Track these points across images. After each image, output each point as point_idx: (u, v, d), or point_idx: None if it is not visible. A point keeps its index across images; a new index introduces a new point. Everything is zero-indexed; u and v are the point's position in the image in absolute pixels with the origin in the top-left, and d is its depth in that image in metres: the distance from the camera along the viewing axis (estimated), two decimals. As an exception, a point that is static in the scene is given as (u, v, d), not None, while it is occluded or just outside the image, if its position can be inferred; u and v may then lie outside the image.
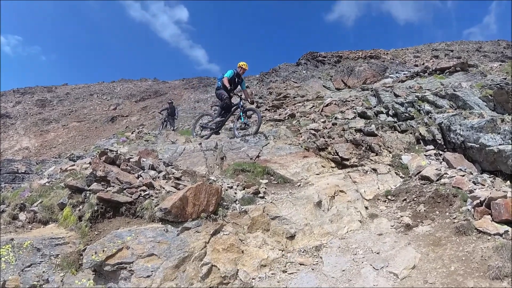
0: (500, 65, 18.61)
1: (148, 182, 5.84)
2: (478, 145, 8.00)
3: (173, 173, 6.83)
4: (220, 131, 12.23)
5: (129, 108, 48.05)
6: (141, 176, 6.21)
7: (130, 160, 6.79)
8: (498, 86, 10.66)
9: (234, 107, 11.80)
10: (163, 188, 5.81)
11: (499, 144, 7.71)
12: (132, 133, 15.56)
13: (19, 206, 6.15)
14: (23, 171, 13.77)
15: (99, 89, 57.98)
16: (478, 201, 5.48)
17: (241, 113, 11.36)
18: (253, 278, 4.75)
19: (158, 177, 6.41)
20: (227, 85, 11.56)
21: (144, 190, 5.63)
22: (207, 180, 6.39)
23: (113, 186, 5.63)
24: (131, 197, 5.44)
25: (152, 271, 4.39)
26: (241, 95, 11.69)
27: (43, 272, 4.48)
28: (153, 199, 5.37)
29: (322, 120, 12.24)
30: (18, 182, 12.40)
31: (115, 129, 35.78)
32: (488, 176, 7.31)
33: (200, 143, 9.89)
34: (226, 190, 6.33)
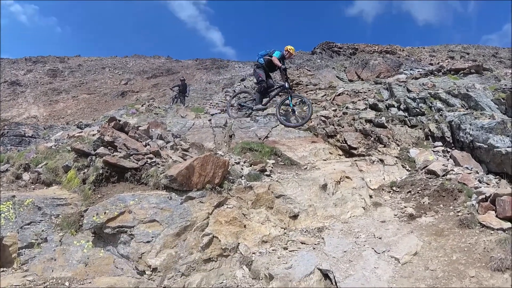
0: (515, 71, 18.46)
1: (155, 150, 5.86)
2: (487, 146, 7.95)
3: (181, 145, 6.85)
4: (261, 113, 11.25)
5: (140, 84, 47.96)
6: (148, 144, 6.24)
7: (139, 128, 6.82)
8: (511, 90, 10.56)
9: (276, 90, 11.00)
10: (170, 158, 5.83)
11: (508, 147, 7.67)
12: (142, 106, 15.60)
13: (24, 166, 6.21)
14: (30, 135, 13.88)
15: (112, 63, 57.83)
16: (484, 196, 5.46)
17: (290, 97, 10.33)
18: (253, 253, 4.76)
19: (166, 147, 6.44)
20: (279, 63, 10.57)
21: (151, 158, 5.66)
22: (214, 153, 6.38)
23: (120, 152, 5.66)
24: (137, 163, 5.47)
25: (152, 237, 4.41)
26: (286, 78, 10.77)
27: (42, 230, 4.53)
28: (159, 167, 5.39)
29: (333, 108, 12.22)
30: (24, 145, 12.48)
31: (125, 103, 35.86)
32: (494, 177, 7.27)
33: (210, 119, 9.90)
34: (233, 165, 6.32)
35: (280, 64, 10.50)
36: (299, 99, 11.16)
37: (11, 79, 48.36)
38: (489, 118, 8.92)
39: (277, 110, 10.19)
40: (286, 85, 10.42)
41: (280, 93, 11.20)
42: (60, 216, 4.71)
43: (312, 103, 11.51)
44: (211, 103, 18.06)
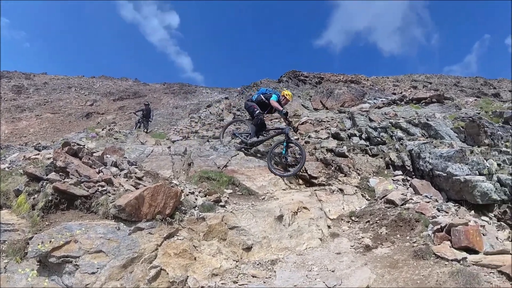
0: (475, 100, 19.04)
1: (107, 178, 5.70)
2: (446, 174, 8.08)
3: (135, 173, 6.68)
4: (250, 151, 10.20)
5: (106, 106, 47.33)
6: (101, 171, 6.09)
7: (93, 154, 6.66)
8: (471, 118, 10.82)
9: (275, 132, 10.19)
10: (122, 186, 5.67)
11: (466, 174, 7.83)
12: (102, 130, 15.39)
13: None
14: (-16, 154, 13.35)
15: (78, 83, 56.98)
16: (439, 226, 5.49)
17: (284, 144, 9.46)
18: (203, 286, 4.60)
19: (119, 175, 6.28)
20: (279, 107, 10.00)
21: (102, 186, 5.50)
22: (169, 183, 6.23)
23: (72, 178, 5.48)
24: (87, 191, 5.30)
25: (98, 268, 4.23)
26: (289, 122, 10.28)
27: None
28: (109, 196, 5.24)
29: (295, 137, 12.28)
30: (-22, 165, 11.96)
31: (89, 125, 35.26)
32: (453, 204, 7.40)
33: (169, 147, 9.76)
34: (187, 195, 6.21)
35: (280, 108, 10.00)
36: (296, 147, 9.73)
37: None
38: (448, 147, 9.10)
39: (268, 157, 9.15)
40: (287, 129, 9.60)
41: (279, 135, 10.13)
42: (6, 242, 4.48)
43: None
44: (175, 128, 17.91)
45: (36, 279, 4.15)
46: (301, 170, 8.74)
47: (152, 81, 67.51)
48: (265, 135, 10.27)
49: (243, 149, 10.03)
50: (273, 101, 10.05)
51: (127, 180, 6.04)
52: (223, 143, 10.58)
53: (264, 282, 4.58)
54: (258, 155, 10.05)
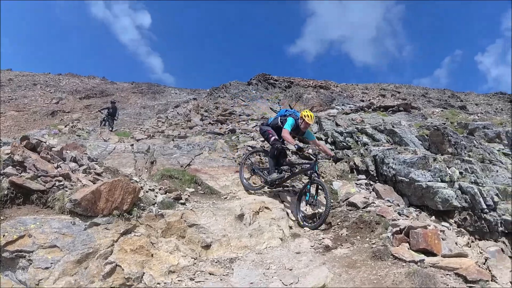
0: (442, 111, 19.38)
1: (65, 173, 5.56)
2: (408, 180, 8.22)
3: (95, 169, 6.55)
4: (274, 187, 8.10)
5: (72, 104, 46.11)
6: (60, 166, 5.95)
7: (52, 149, 6.52)
8: (435, 127, 11.02)
9: (301, 168, 7.93)
10: (80, 181, 5.55)
11: (428, 181, 7.99)
12: (65, 127, 15.09)
13: None
14: None
15: (44, 80, 55.27)
16: (398, 228, 5.57)
17: (308, 187, 7.36)
18: (158, 283, 4.54)
19: (78, 170, 6.15)
20: (292, 141, 7.61)
21: (60, 181, 5.36)
22: (129, 179, 6.11)
23: (28, 173, 5.33)
24: (44, 185, 5.17)
25: (51, 263, 4.12)
26: (316, 153, 8.10)
27: None
28: (66, 191, 5.11)
29: (261, 139, 12.20)
30: None
31: (54, 124, 34.41)
32: (415, 209, 7.54)
33: (132, 144, 9.60)
34: (147, 192, 6.12)
35: (294, 143, 7.59)
36: (321, 188, 7.23)
37: None
38: (412, 153, 9.23)
39: (297, 207, 7.34)
40: (315, 166, 7.41)
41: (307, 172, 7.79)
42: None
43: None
44: (141, 128, 17.67)
45: (-10, 274, 4.04)
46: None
47: (120, 80, 65.95)
48: (288, 170, 8.11)
49: (267, 188, 8.05)
50: (285, 131, 7.69)
51: (85, 176, 5.92)
52: (244, 184, 8.16)
53: (221, 280, 4.55)
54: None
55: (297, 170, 7.97)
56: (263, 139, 9.80)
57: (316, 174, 7.26)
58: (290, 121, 7.82)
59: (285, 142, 7.75)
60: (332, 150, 10.75)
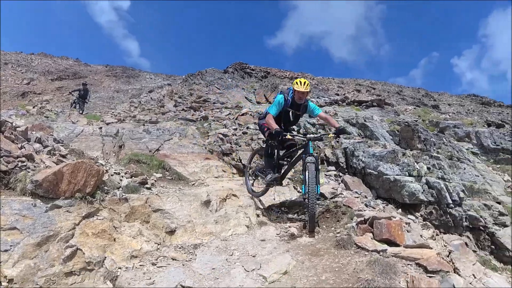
0: (415, 108, 19.69)
1: (28, 153, 5.43)
2: (377, 172, 8.33)
3: (60, 150, 6.41)
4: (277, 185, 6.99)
5: (43, 85, 44.93)
6: (24, 147, 5.82)
7: (17, 129, 6.33)
8: (406, 123, 11.19)
9: (297, 155, 6.64)
10: (44, 163, 5.44)
11: (396, 174, 8.12)
12: (33, 108, 14.76)
13: None
14: None
15: (16, 59, 53.61)
16: (363, 218, 5.63)
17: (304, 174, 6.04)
18: (120, 268, 4.49)
19: (42, 151, 6.02)
20: (271, 125, 6.36)
21: (23, 162, 5.23)
22: (94, 162, 6.00)
23: (-10, 153, 5.18)
24: (6, 166, 5.02)
25: (11, 246, 4.03)
26: (305, 132, 7.28)
27: None
28: (29, 172, 4.98)
29: (234, 127, 12.25)
30: None
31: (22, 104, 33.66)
32: (382, 202, 7.61)
33: (101, 127, 9.45)
34: (112, 175, 6.03)
35: (273, 128, 6.27)
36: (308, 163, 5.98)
37: None
38: (382, 147, 9.35)
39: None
40: (309, 148, 6.17)
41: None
42: None
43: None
44: (113, 112, 17.40)
45: None
46: (236, 159, 8.65)
47: (95, 62, 64.49)
48: (286, 162, 6.94)
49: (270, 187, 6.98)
50: (268, 116, 6.52)
51: (49, 157, 5.79)
52: (248, 189, 7.29)
53: (183, 265, 4.53)
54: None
55: (293, 160, 6.70)
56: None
57: (310, 157, 5.94)
58: (275, 100, 6.63)
59: (284, 133, 6.31)
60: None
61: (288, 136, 6.46)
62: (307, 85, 6.43)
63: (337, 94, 25.54)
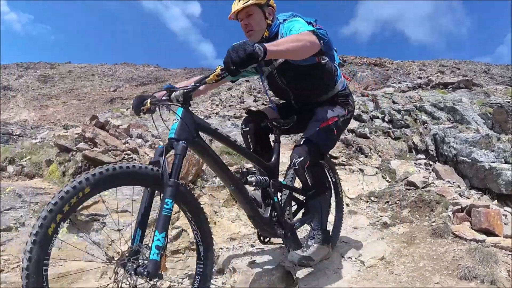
0: (506, 88, 18.44)
1: (133, 147, 5.95)
2: (470, 160, 7.99)
3: (159, 144, 6.89)
4: None
5: (129, 91, 47.79)
6: (127, 142, 6.35)
7: (119, 127, 6.90)
8: (499, 105, 10.64)
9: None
10: (147, 155, 5.93)
11: (492, 162, 7.70)
12: (127, 110, 15.67)
13: (8, 160, 6.37)
14: (17, 134, 13.93)
15: (101, 70, 57.86)
16: (459, 207, 5.46)
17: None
18: (221, 248, 4.79)
19: (144, 145, 6.54)
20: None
21: (128, 154, 5.76)
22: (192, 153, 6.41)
23: (99, 148, 5.75)
24: (115, 158, 5.54)
25: (123, 226, 4.51)
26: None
27: (21, 216, 4.56)
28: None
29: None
30: (11, 143, 12.55)
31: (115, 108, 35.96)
32: (476, 192, 7.26)
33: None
34: (209, 164, 6.35)
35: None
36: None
37: (2, 84, 48.64)
38: (474, 132, 8.95)
39: None
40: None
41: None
42: (38, 203, 4.75)
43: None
44: (196, 110, 18.13)
45: (66, 235, 4.42)
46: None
47: (173, 67, 67.35)
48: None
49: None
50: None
51: (151, 150, 6.26)
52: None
53: (281, 247, 4.68)
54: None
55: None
56: None
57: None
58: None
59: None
60: (389, 129, 10.62)
61: None
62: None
63: (420, 78, 24.62)
